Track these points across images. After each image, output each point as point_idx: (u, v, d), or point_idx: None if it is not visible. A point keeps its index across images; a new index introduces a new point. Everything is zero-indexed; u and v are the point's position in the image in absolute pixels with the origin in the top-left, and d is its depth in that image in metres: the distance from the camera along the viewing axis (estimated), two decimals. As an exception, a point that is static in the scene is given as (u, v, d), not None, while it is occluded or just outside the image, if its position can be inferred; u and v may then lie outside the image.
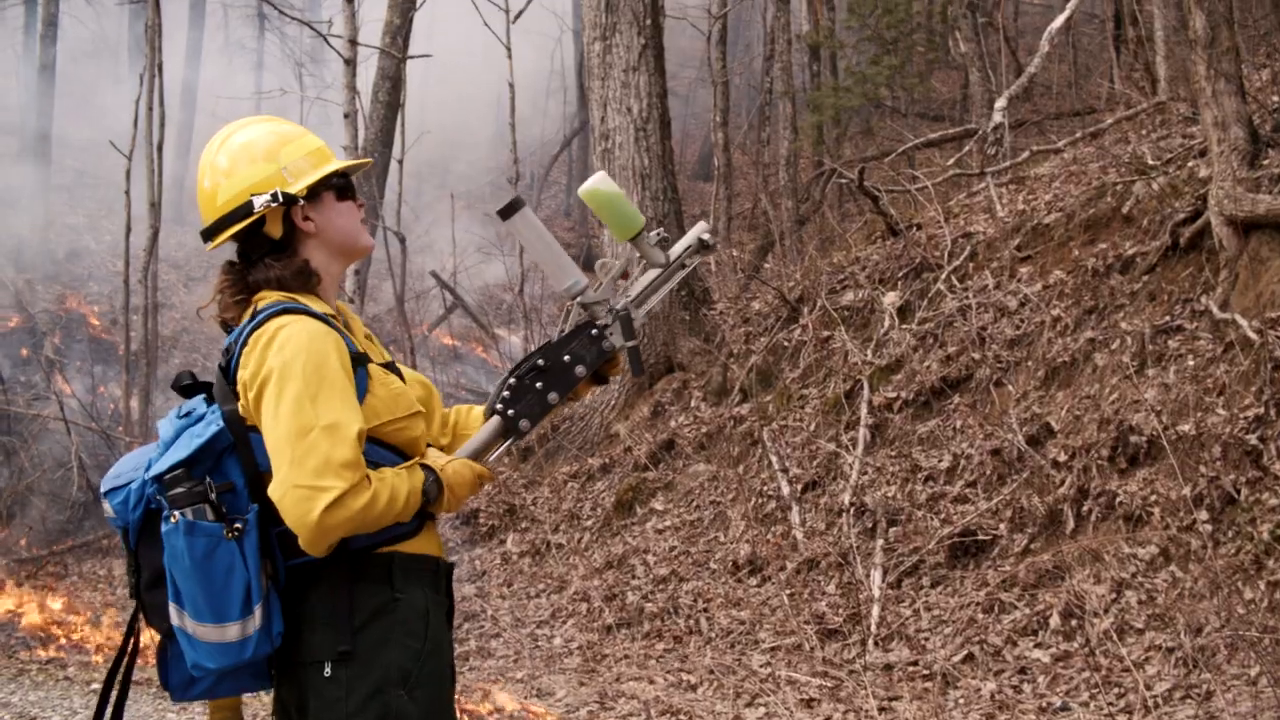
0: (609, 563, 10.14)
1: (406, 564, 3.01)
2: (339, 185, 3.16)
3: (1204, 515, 7.06)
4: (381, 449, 2.99)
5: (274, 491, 2.82)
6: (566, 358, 3.24)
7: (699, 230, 3.44)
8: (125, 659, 3.11)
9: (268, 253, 3.09)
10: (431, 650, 2.98)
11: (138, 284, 16.27)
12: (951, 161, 14.84)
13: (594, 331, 3.28)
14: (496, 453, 3.23)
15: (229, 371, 3.01)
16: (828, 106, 18.32)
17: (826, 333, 11.07)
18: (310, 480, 2.78)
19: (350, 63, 13.40)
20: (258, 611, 2.86)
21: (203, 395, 3.11)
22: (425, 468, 3.00)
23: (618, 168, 12.70)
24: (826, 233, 16.71)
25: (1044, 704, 6.52)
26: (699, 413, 11.57)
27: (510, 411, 3.20)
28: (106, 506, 3.03)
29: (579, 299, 3.27)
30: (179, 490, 2.85)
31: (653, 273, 3.39)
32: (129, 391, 16.06)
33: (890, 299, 10.76)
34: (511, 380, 3.21)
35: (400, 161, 16.09)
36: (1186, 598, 6.75)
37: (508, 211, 3.24)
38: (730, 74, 22.23)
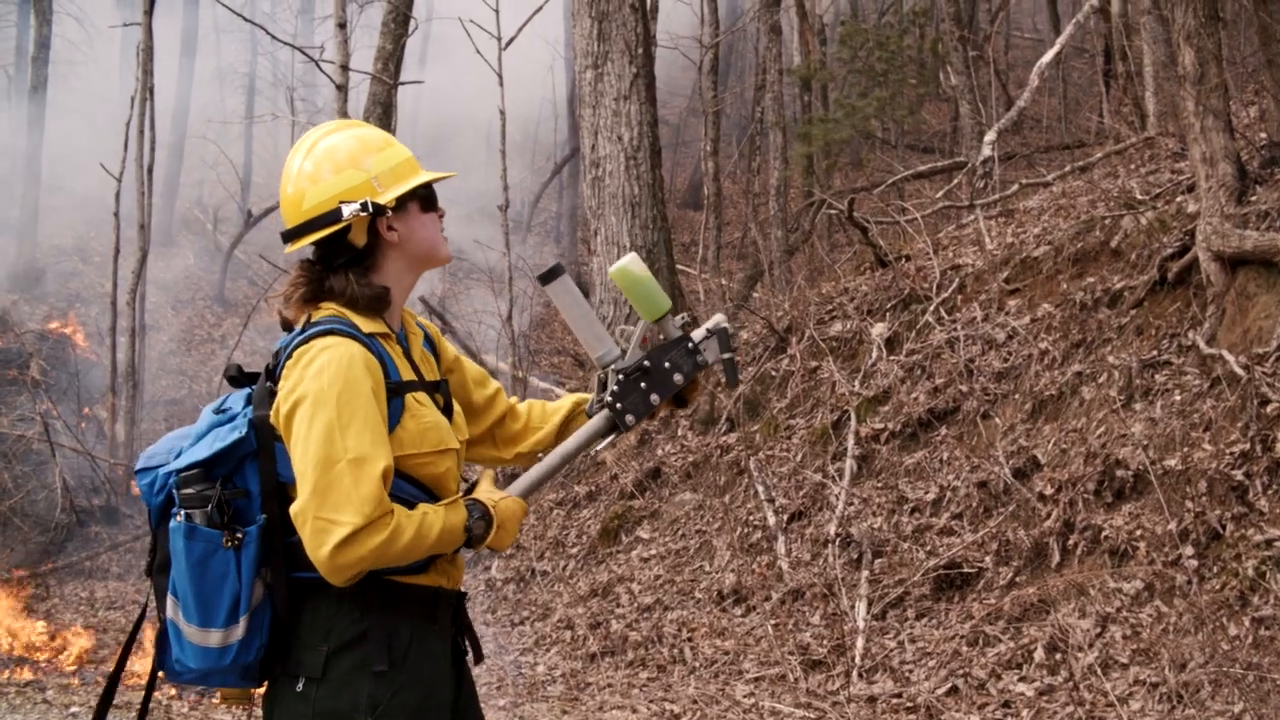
0: (593, 590, 10.11)
1: (396, 593, 2.99)
2: (424, 196, 3.17)
3: (1189, 550, 7.05)
4: (404, 482, 2.99)
5: (295, 513, 2.83)
6: (667, 364, 3.37)
7: (719, 318, 3.55)
8: (134, 634, 3.17)
9: (349, 261, 3.08)
10: (408, 681, 2.95)
11: (125, 306, 16.25)
12: (941, 194, 14.90)
13: (689, 345, 3.40)
14: (602, 445, 3.37)
15: (274, 375, 3.01)
16: (818, 138, 18.39)
17: (814, 363, 11.07)
18: (329, 513, 2.78)
19: (342, 88, 13.43)
20: (242, 623, 2.88)
21: (247, 391, 3.10)
22: (474, 504, 3.02)
23: (608, 195, 12.73)
24: (815, 263, 16.75)
25: (1028, 738, 6.50)
26: (686, 441, 11.56)
27: (619, 405, 3.31)
28: (135, 484, 3.07)
29: (611, 366, 3.36)
30: (189, 491, 2.89)
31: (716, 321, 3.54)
32: (115, 414, 16.02)
33: (878, 330, 10.77)
34: (620, 376, 3.31)
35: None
36: (1171, 633, 6.74)
37: (549, 277, 3.33)
38: (721, 103, 22.29)
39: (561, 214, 32.43)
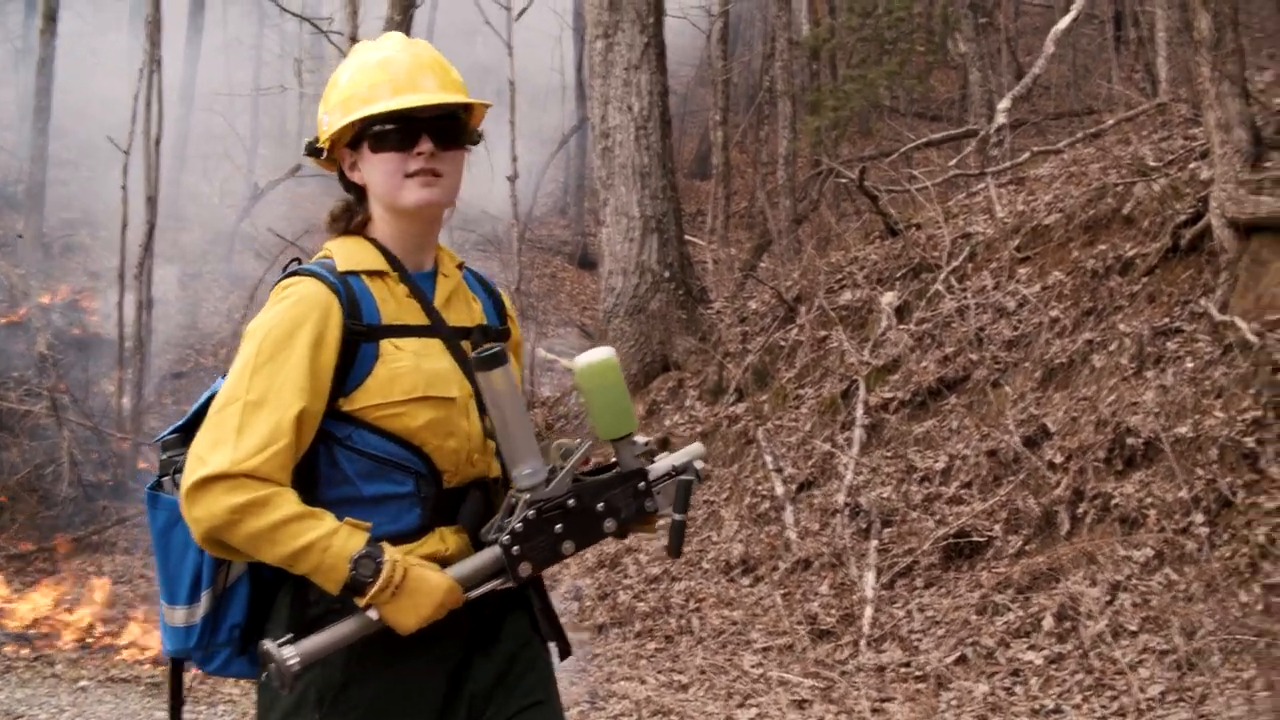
0: (601, 561, 10.09)
1: None
2: (375, 134, 2.72)
3: (1200, 518, 7.00)
4: (372, 436, 2.62)
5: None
6: (600, 506, 2.69)
7: (694, 453, 2.86)
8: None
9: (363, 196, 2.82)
10: (365, 676, 2.62)
11: (133, 280, 16.21)
12: (952, 162, 14.81)
13: (641, 485, 2.73)
14: (479, 591, 2.65)
15: None
16: (827, 112, 18.24)
17: (823, 332, 11.02)
18: (202, 450, 2.48)
19: (348, 58, 13.36)
20: (204, 599, 2.65)
21: None
22: (377, 547, 2.52)
23: (617, 165, 12.66)
24: (824, 232, 16.66)
25: (1037, 706, 6.47)
26: (694, 411, 11.52)
27: (515, 549, 2.64)
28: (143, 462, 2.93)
29: (531, 492, 2.66)
30: (165, 457, 2.70)
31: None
32: (121, 388, 16.00)
33: (888, 299, 10.70)
34: (530, 513, 2.65)
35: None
36: (1181, 600, 6.70)
37: (490, 363, 2.63)
38: (730, 72, 22.18)
39: (569, 185, 32.34)
